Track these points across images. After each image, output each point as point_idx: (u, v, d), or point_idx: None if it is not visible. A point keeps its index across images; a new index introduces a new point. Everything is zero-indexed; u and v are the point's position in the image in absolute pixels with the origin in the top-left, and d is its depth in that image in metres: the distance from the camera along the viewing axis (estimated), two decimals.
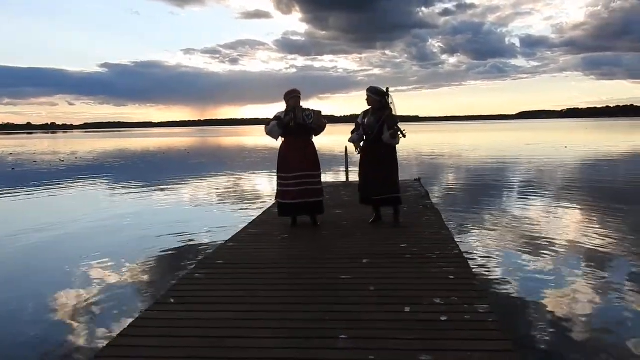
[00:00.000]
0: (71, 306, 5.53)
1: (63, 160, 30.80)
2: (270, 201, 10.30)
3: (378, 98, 6.56)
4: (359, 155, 6.83)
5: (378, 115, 6.50)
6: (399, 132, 6.42)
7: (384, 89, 6.62)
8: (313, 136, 6.86)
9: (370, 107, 6.67)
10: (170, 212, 11.84)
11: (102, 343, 4.12)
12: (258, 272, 4.94)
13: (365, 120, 6.63)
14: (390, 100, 6.60)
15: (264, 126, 6.87)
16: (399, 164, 6.82)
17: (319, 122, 6.74)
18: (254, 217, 8.13)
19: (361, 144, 6.79)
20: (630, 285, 5.79)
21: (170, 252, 7.76)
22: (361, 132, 6.72)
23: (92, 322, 5.08)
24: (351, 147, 7.03)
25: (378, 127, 6.46)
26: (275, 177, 6.93)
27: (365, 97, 6.66)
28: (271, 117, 6.82)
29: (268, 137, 6.77)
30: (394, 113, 6.59)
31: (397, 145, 6.67)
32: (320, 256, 5.45)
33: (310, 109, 6.74)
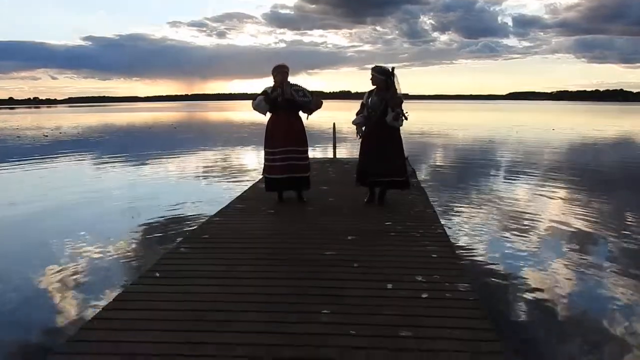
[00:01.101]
0: (56, 280, 5.53)
1: (47, 136, 30.36)
2: (257, 176, 10.30)
3: (383, 77, 6.39)
4: (359, 137, 6.73)
5: (382, 96, 6.38)
6: (401, 115, 6.32)
7: (390, 68, 6.44)
8: (304, 113, 6.80)
9: (375, 86, 6.54)
10: (157, 186, 11.80)
11: (87, 316, 4.14)
12: (243, 247, 4.97)
13: (370, 101, 6.52)
14: (395, 81, 6.40)
15: (251, 101, 6.83)
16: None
17: (317, 103, 6.70)
18: (240, 192, 8.15)
19: (363, 128, 6.66)
20: (611, 265, 5.90)
21: (156, 227, 7.76)
22: (365, 114, 6.59)
23: (77, 295, 5.10)
24: (351, 128, 6.88)
25: (382, 107, 6.36)
26: (263, 152, 6.93)
27: (370, 76, 6.49)
28: (259, 92, 6.79)
29: (256, 112, 6.74)
30: (398, 93, 6.41)
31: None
32: (305, 232, 5.49)
33: (300, 85, 6.69)
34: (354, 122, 6.76)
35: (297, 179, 6.80)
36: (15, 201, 10.18)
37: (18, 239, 7.41)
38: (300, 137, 6.76)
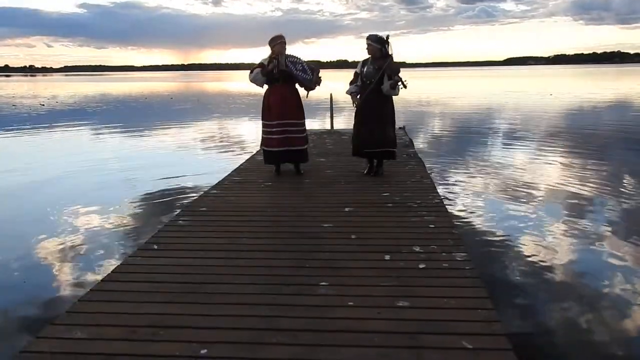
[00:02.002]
0: (55, 251, 5.55)
1: (43, 105, 30.20)
2: (254, 148, 10.27)
3: (379, 46, 6.30)
4: (355, 105, 6.66)
5: (378, 65, 6.28)
6: (400, 82, 6.22)
7: (384, 37, 6.34)
8: (301, 87, 6.72)
9: (369, 56, 6.44)
10: (154, 158, 11.77)
11: (86, 288, 4.17)
12: (240, 219, 4.98)
13: (364, 70, 6.43)
14: (389, 49, 6.31)
15: (248, 73, 6.75)
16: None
17: (317, 81, 6.63)
18: (238, 164, 8.12)
19: (358, 96, 6.56)
20: (609, 232, 5.92)
21: (153, 199, 7.76)
22: (359, 83, 6.51)
23: (76, 267, 5.12)
24: (348, 98, 6.79)
25: (378, 77, 6.26)
26: (260, 124, 6.89)
27: (365, 45, 6.39)
28: (256, 62, 6.71)
29: (253, 84, 6.69)
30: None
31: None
32: (302, 204, 5.50)
33: (299, 57, 6.60)
34: (347, 92, 6.70)
35: (294, 152, 6.77)
36: (11, 171, 10.15)
37: (15, 210, 7.40)
38: (297, 110, 6.70)
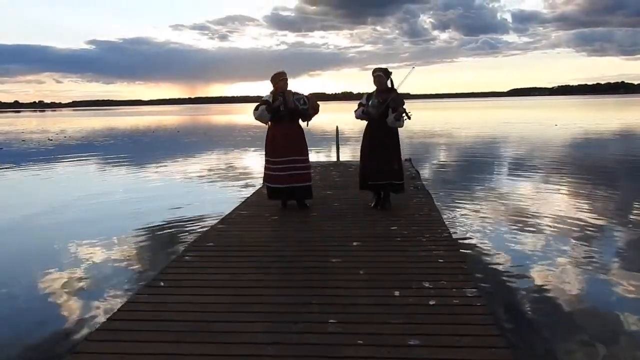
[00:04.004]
0: (61, 288, 5.50)
1: (52, 139, 30.49)
2: (260, 181, 10.27)
3: (385, 79, 6.46)
4: (361, 137, 6.73)
5: (382, 98, 6.39)
6: (404, 114, 6.29)
7: (390, 72, 6.51)
8: (303, 121, 6.78)
9: (376, 88, 6.55)
10: (161, 192, 11.76)
11: (92, 326, 4.12)
12: (247, 255, 4.95)
13: (370, 103, 6.52)
14: (393, 86, 6.48)
15: (252, 110, 6.80)
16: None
17: (314, 107, 6.68)
18: (244, 197, 8.12)
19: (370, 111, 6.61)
20: (620, 264, 5.84)
21: (160, 234, 7.73)
22: (365, 110, 6.61)
23: (81, 304, 5.06)
24: (354, 129, 6.88)
25: (383, 109, 6.35)
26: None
27: (373, 78, 6.52)
28: (262, 95, 6.76)
29: (257, 121, 6.74)
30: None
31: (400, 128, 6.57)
32: (310, 239, 5.46)
33: (300, 93, 6.68)
34: (357, 116, 6.75)
35: (299, 189, 6.77)
36: (18, 205, 10.17)
37: (20, 245, 7.39)
38: (301, 146, 6.75)
